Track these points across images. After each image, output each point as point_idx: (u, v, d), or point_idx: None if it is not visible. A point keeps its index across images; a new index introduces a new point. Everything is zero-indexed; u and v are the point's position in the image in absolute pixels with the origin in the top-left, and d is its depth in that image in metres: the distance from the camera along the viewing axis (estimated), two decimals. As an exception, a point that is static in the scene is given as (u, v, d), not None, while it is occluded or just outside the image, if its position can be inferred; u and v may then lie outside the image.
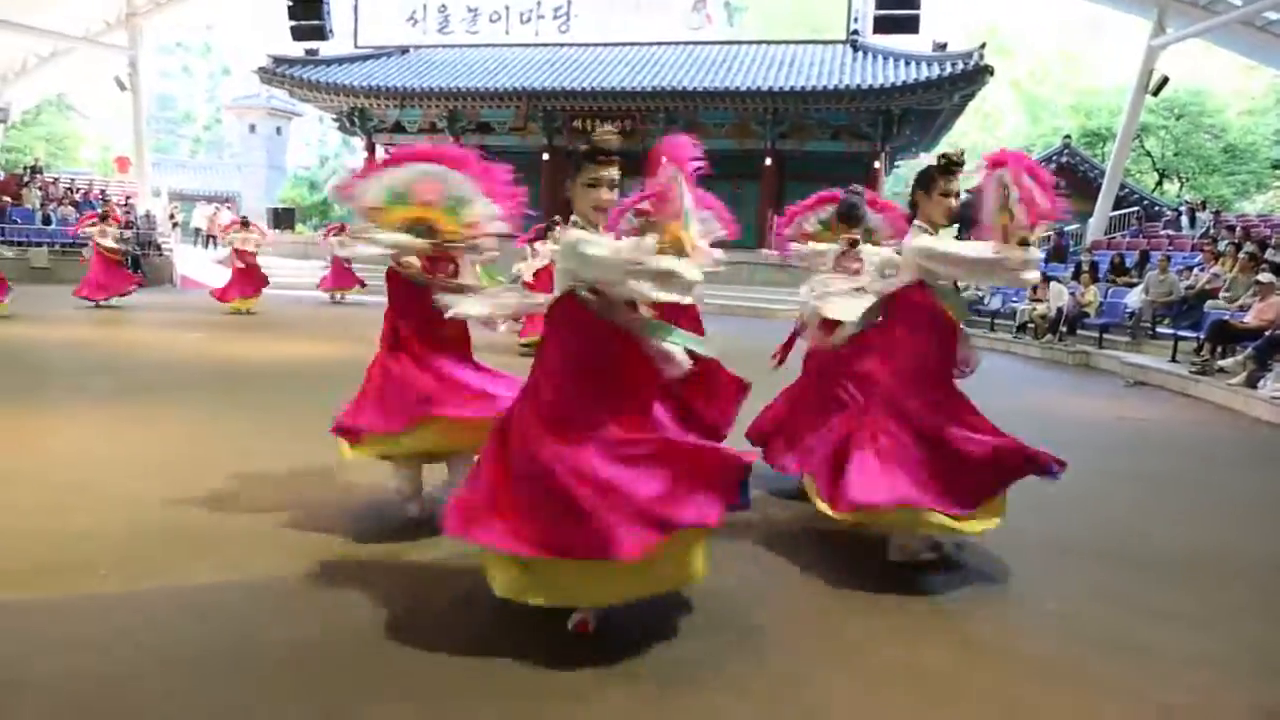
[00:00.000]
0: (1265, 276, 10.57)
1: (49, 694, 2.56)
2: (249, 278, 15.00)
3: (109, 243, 14.56)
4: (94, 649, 2.83)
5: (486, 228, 3.81)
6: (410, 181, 3.77)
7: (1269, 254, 12.75)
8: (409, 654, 2.85)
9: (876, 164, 24.87)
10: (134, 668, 2.72)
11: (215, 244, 29.54)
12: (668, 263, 2.66)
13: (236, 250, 15.22)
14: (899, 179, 41.92)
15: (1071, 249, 19.77)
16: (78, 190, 23.67)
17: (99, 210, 16.82)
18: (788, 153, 25.13)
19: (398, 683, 2.68)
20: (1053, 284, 14.48)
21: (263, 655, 2.83)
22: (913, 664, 2.94)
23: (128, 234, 19.94)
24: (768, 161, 24.88)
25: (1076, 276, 14.96)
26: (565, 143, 26.42)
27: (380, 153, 29.00)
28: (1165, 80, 19.78)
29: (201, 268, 22.00)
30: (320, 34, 23.69)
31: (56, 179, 24.89)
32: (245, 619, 3.11)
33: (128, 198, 24.43)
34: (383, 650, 2.88)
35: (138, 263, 19.45)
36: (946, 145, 38.75)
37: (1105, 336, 13.23)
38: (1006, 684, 2.85)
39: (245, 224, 16.00)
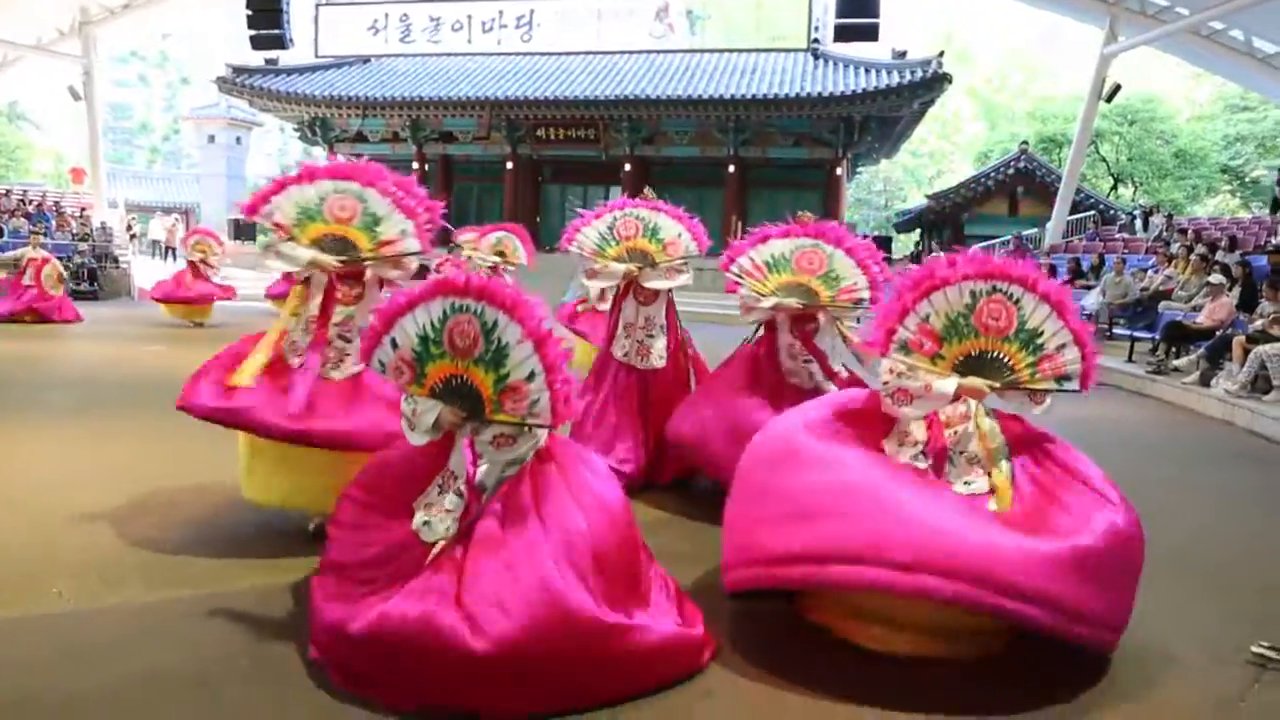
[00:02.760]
0: (1216, 278, 10.83)
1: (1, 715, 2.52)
2: (193, 286, 14.38)
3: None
4: (48, 670, 2.79)
5: (401, 245, 3.77)
6: (323, 198, 3.74)
7: (1219, 255, 13.05)
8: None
9: (838, 170, 25.13)
10: (88, 688, 2.68)
11: (174, 255, 29.13)
12: None
13: (193, 264, 14.52)
14: (860, 184, 42.40)
15: (1031, 253, 20.08)
16: (30, 202, 23.22)
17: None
18: (750, 160, 25.32)
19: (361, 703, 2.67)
20: (1012, 287, 14.69)
21: (223, 675, 2.79)
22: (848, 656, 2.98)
23: (83, 246, 19.61)
24: (730, 169, 25.05)
25: (1035, 280, 15.21)
26: (529, 151, 26.42)
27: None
28: (1118, 87, 20.19)
29: (160, 278, 21.66)
30: (280, 43, 23.43)
31: (9, 190, 24.41)
32: (203, 638, 3.07)
33: (83, 209, 24.02)
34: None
35: (94, 275, 19.12)
36: (907, 152, 39.42)
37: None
38: (964, 679, 2.90)
39: (201, 234, 15.31)
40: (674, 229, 5.19)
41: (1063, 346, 3.16)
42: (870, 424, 3.33)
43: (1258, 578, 4.14)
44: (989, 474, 3.13)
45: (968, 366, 3.23)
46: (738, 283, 4.68)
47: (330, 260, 3.72)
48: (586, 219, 5.30)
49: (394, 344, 2.85)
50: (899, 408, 3.26)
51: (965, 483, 3.14)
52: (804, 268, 4.59)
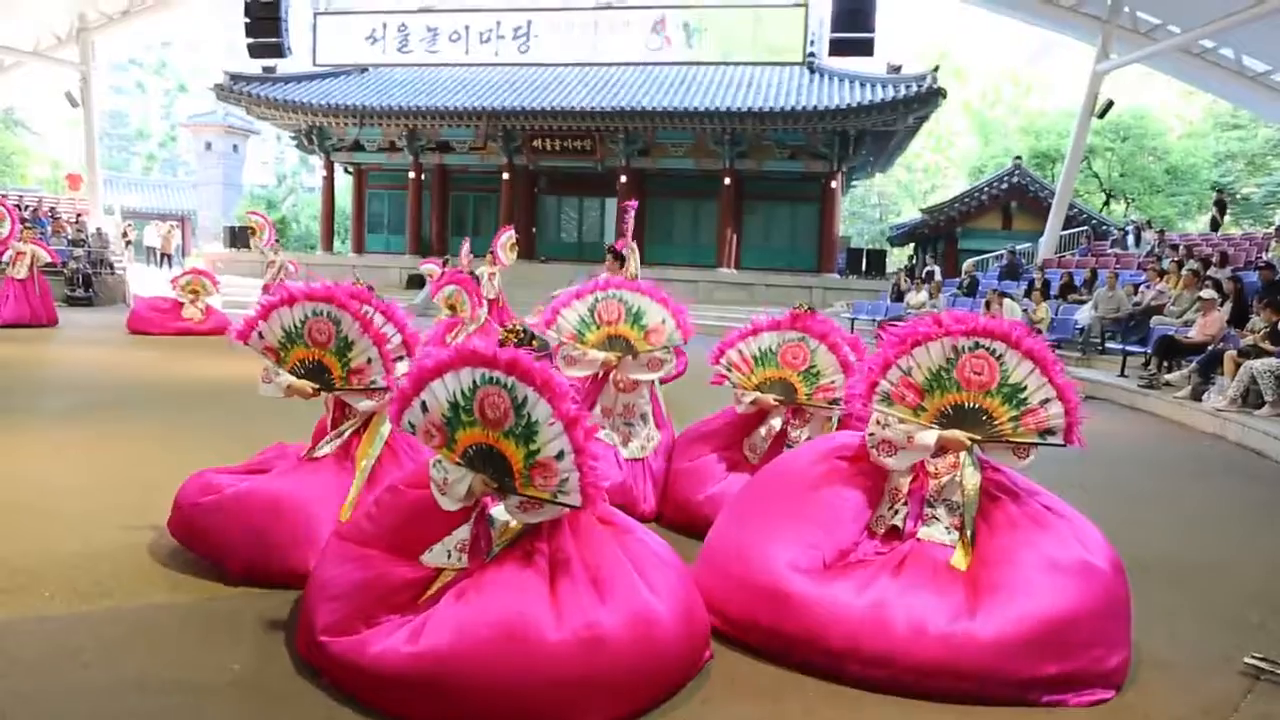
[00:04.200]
0: (1207, 293, 10.89)
1: (-8, 715, 2.52)
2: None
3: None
4: (39, 672, 2.79)
5: (369, 374, 3.85)
6: (303, 320, 3.85)
7: (1211, 271, 13.13)
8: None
9: (833, 184, 25.21)
10: (80, 689, 2.69)
11: (170, 262, 29.09)
12: None
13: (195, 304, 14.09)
14: (855, 198, 42.57)
15: (1024, 267, 20.18)
16: (26, 208, 23.19)
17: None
18: (745, 172, 25.40)
19: (352, 710, 2.68)
20: (1006, 301, 14.75)
21: (212, 681, 2.80)
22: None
23: (78, 252, 19.56)
24: (726, 181, 25.11)
25: (1028, 294, 15.28)
26: (525, 162, 26.47)
27: (341, 174, 28.86)
28: (1110, 104, 20.34)
29: (155, 287, 21.64)
30: (278, 51, 23.46)
31: (4, 195, 24.37)
32: (193, 643, 3.08)
33: (79, 215, 24.00)
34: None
35: (89, 282, 19.08)
36: (901, 166, 39.59)
37: (1056, 352, 13.44)
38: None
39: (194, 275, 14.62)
40: (658, 314, 4.90)
41: (1046, 401, 3.25)
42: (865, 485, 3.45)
43: (1247, 588, 4.16)
44: (960, 529, 3.24)
45: (950, 419, 3.33)
46: (725, 375, 4.83)
47: (306, 387, 3.89)
48: (567, 299, 5.02)
49: (424, 407, 2.84)
50: (884, 459, 3.37)
51: (945, 529, 3.28)
52: (788, 362, 4.72)
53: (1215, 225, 21.61)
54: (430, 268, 15.54)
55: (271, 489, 3.70)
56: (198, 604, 3.38)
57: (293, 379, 3.90)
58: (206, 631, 3.16)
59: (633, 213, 7.48)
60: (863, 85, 23.86)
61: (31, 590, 3.40)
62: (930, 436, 3.30)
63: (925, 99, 22.45)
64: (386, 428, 3.92)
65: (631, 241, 7.21)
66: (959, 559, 3.15)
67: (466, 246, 14.95)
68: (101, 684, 2.72)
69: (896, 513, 3.38)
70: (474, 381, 2.77)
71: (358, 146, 27.77)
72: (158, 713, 2.57)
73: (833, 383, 4.61)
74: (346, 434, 3.93)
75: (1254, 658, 3.19)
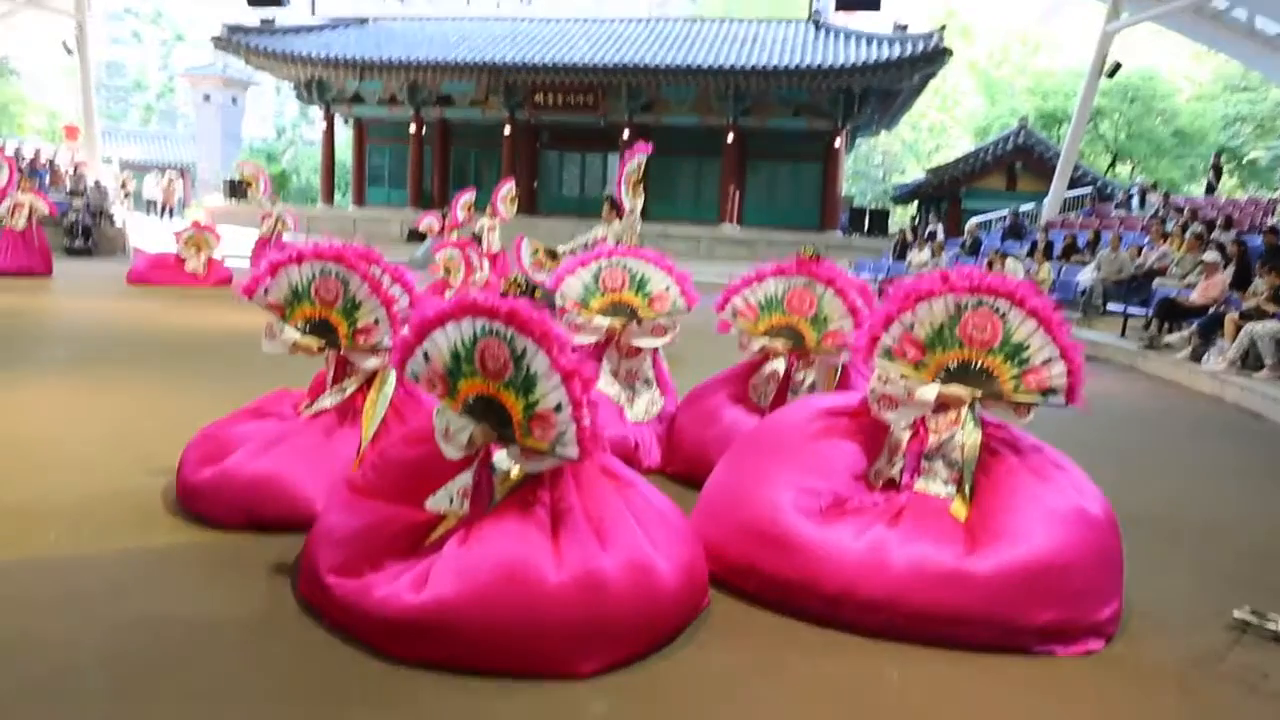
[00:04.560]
0: (1210, 256, 10.85)
1: None
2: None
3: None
4: (44, 611, 2.83)
5: (375, 335, 3.87)
6: (310, 279, 3.86)
7: (1215, 234, 13.07)
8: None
9: (837, 142, 25.04)
10: (86, 629, 2.73)
11: (170, 214, 28.95)
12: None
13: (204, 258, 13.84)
14: (859, 156, 42.25)
15: (1027, 228, 20.10)
16: (23, 158, 23.03)
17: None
18: (749, 129, 25.19)
19: (354, 649, 2.72)
20: (1009, 261, 14.72)
21: (216, 622, 2.84)
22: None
23: (77, 203, 19.44)
24: (729, 138, 24.93)
25: (1031, 254, 15.24)
26: (527, 116, 26.24)
27: (341, 127, 28.60)
28: (1119, 65, 20.11)
29: (155, 238, 21.55)
30: (277, 1, 23.23)
31: (2, 146, 24.20)
32: (200, 582, 3.13)
33: (77, 166, 23.84)
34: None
35: (89, 233, 18.99)
36: (906, 125, 39.24)
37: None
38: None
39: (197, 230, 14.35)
40: (663, 282, 4.97)
41: (1049, 361, 3.24)
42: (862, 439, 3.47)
43: (1240, 545, 4.21)
44: (958, 483, 3.27)
45: (951, 376, 3.33)
46: (730, 323, 4.83)
47: (312, 344, 3.90)
48: (572, 265, 5.09)
49: (425, 357, 2.85)
50: (884, 414, 3.38)
51: (943, 482, 3.30)
52: (795, 308, 4.70)
53: (1210, 189, 21.55)
54: (429, 221, 15.44)
55: (264, 464, 3.67)
56: (202, 547, 3.42)
57: (298, 336, 3.91)
58: (211, 573, 3.20)
59: (642, 158, 7.28)
60: (868, 43, 23.60)
61: (37, 534, 3.43)
62: (930, 392, 3.31)
63: (931, 58, 22.22)
64: (390, 386, 3.95)
65: (638, 194, 7.07)
66: (958, 508, 3.19)
67: (465, 197, 14.72)
68: (108, 624, 2.76)
69: (893, 465, 3.41)
70: (475, 332, 2.78)
71: (358, 99, 27.52)
72: (163, 651, 2.61)
73: (841, 328, 4.60)
74: (350, 390, 3.95)
75: (1243, 611, 3.23)
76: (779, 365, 4.73)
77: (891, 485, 3.38)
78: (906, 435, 3.42)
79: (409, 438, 3.13)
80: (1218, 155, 24.12)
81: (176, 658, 2.58)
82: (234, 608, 2.92)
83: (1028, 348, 3.25)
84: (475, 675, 2.55)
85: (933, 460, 3.36)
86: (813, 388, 4.76)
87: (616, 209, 6.78)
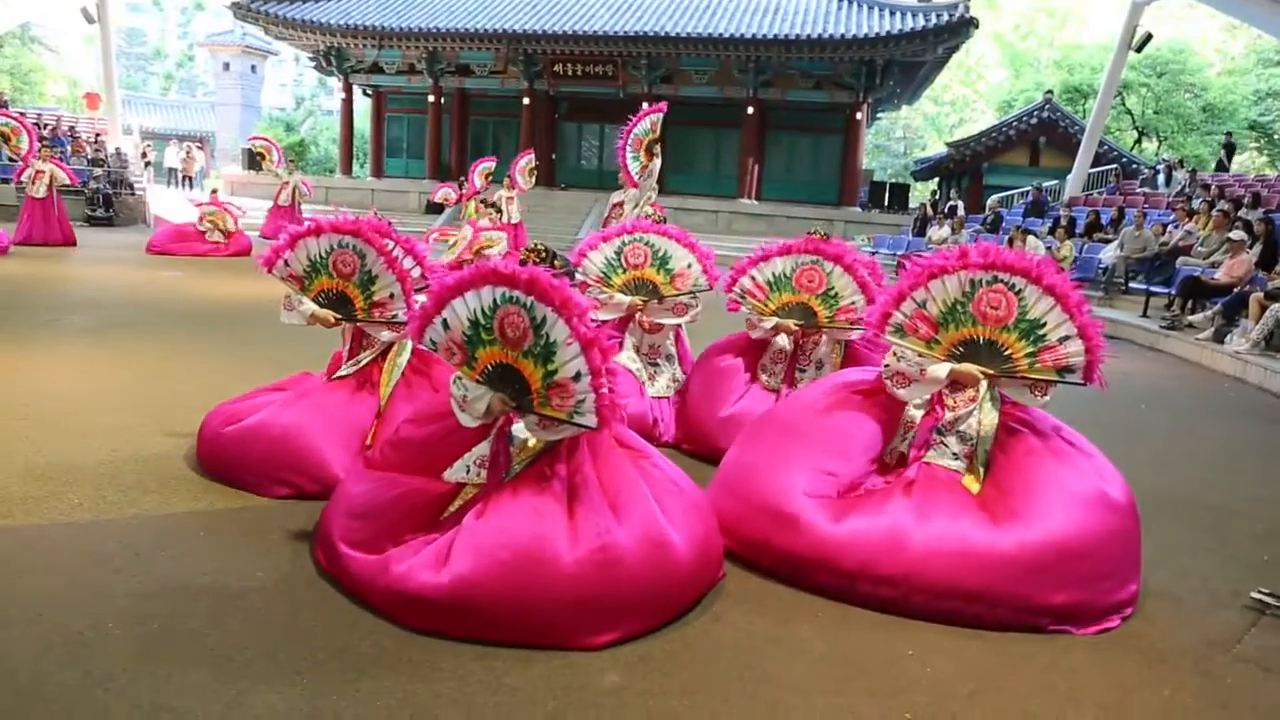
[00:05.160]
0: (1236, 234, 10.69)
1: (24, 610, 2.60)
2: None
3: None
4: (69, 573, 2.88)
5: (391, 308, 3.91)
6: (328, 251, 3.92)
7: (1242, 213, 12.88)
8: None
9: (858, 115, 24.75)
10: (109, 592, 2.77)
11: (191, 184, 29.04)
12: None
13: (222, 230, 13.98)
14: (880, 130, 41.79)
15: (1050, 204, 19.86)
16: (45, 126, 23.12)
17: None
18: (769, 101, 24.93)
19: (375, 617, 2.75)
20: (1030, 238, 14.57)
21: (238, 585, 2.88)
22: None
23: (98, 172, 19.53)
24: (749, 110, 24.68)
25: (1053, 231, 15.07)
26: (546, 87, 26.07)
27: (359, 97, 28.53)
28: (1149, 37, 19.71)
29: (175, 207, 21.65)
30: (296, -31, 23.08)
31: (23, 114, 24.28)
32: (220, 548, 3.17)
33: (98, 135, 23.90)
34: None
35: (110, 202, 19.09)
36: (928, 99, 38.72)
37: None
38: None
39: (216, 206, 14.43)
40: (685, 259, 4.94)
41: (1066, 339, 3.19)
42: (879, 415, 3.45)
43: (1259, 527, 4.18)
44: (970, 459, 3.24)
45: (964, 353, 3.29)
46: (739, 302, 4.81)
47: (329, 316, 3.96)
48: (594, 240, 5.07)
49: (445, 325, 2.86)
50: (897, 391, 3.37)
51: (954, 455, 3.27)
52: (804, 286, 4.69)
53: (1220, 167, 21.21)
54: (445, 192, 15.43)
55: (286, 418, 3.78)
56: (222, 513, 3.47)
57: (316, 307, 3.98)
58: (231, 539, 3.24)
59: (656, 118, 7.21)
60: (891, 14, 23.25)
61: (61, 498, 3.48)
62: (943, 370, 3.29)
63: (956, 29, 21.87)
64: (404, 358, 4.00)
65: (654, 156, 7.01)
66: (970, 481, 3.17)
67: (484, 165, 14.63)
68: (129, 587, 2.80)
69: (906, 440, 3.40)
70: (494, 300, 2.78)
71: (376, 69, 27.40)
72: (184, 615, 2.65)
73: (853, 304, 4.59)
74: (364, 362, 4.01)
75: (1260, 593, 3.22)
76: (784, 342, 4.73)
77: (903, 460, 3.37)
78: (919, 414, 3.40)
79: (424, 415, 3.15)
80: (1229, 134, 23.77)
81: (198, 622, 2.62)
82: (255, 572, 2.96)
83: (1044, 325, 3.21)
84: (493, 645, 2.58)
85: (945, 435, 3.33)
86: (821, 365, 4.75)
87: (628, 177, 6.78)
